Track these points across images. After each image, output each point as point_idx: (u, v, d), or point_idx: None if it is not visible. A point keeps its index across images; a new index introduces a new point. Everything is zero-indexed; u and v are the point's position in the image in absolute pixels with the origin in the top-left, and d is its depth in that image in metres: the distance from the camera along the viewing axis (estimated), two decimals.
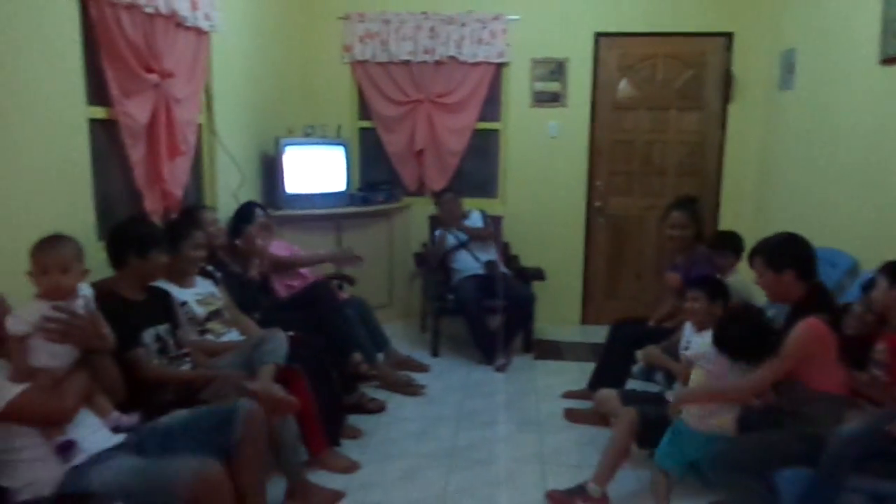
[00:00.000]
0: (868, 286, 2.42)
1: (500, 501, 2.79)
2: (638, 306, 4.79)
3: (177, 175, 3.19)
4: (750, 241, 2.89)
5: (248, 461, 2.17)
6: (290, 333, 2.90)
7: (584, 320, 5.34)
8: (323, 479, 2.81)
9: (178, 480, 1.89)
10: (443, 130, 5.16)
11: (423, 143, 5.16)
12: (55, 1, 2.47)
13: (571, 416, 3.56)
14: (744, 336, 2.38)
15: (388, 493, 2.82)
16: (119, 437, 2.05)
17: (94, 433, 1.99)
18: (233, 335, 2.97)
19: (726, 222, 4.94)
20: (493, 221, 4.89)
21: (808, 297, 2.42)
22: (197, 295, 2.89)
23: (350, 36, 5.11)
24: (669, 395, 2.74)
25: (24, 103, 2.31)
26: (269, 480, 2.38)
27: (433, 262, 4.73)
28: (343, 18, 5.11)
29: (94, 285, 2.19)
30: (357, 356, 3.51)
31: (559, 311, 5.21)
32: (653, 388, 3.26)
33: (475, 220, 4.76)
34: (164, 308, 2.54)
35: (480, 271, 4.51)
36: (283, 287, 3.84)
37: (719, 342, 2.41)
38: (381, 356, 3.98)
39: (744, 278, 3.26)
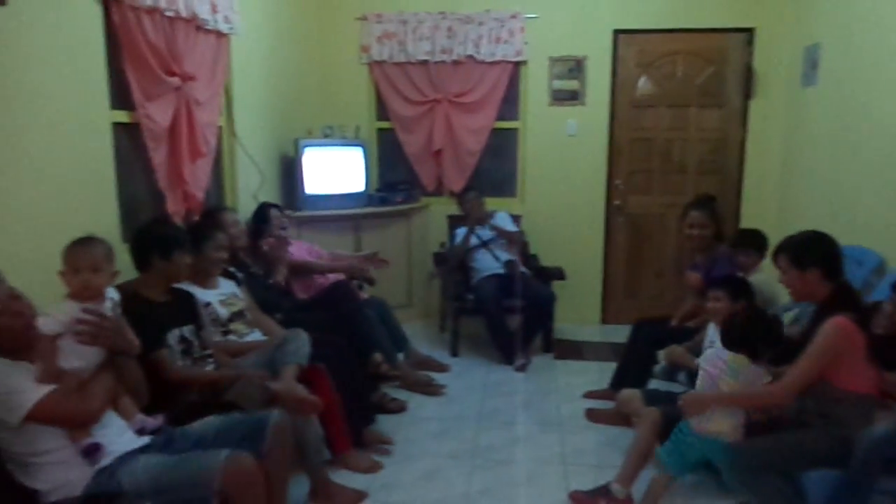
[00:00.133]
0: None
1: (522, 502, 2.78)
2: (658, 306, 4.77)
3: (198, 177, 3.22)
4: (773, 240, 2.85)
5: (274, 468, 2.16)
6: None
7: (605, 320, 5.31)
8: (345, 478, 2.82)
9: (212, 469, 1.90)
10: (461, 130, 5.15)
11: (441, 143, 5.16)
12: (78, 6, 2.50)
13: (593, 416, 3.54)
14: (745, 326, 2.36)
15: (410, 494, 2.83)
16: (144, 440, 2.06)
17: (119, 436, 2.00)
18: (255, 336, 2.98)
19: (748, 220, 4.87)
20: (514, 221, 4.87)
21: (834, 296, 2.37)
22: (220, 296, 2.92)
23: (367, 37, 5.12)
24: None
25: (49, 108, 2.35)
26: (291, 480, 2.39)
27: (455, 261, 4.71)
28: (360, 19, 5.12)
29: (119, 287, 2.22)
30: (378, 356, 3.51)
31: (579, 310, 5.18)
32: (675, 388, 3.23)
33: (503, 222, 4.74)
34: (188, 309, 2.56)
35: (500, 271, 4.49)
36: (301, 289, 3.85)
37: (726, 338, 2.41)
38: (401, 356, 3.98)
39: (768, 277, 3.21)
